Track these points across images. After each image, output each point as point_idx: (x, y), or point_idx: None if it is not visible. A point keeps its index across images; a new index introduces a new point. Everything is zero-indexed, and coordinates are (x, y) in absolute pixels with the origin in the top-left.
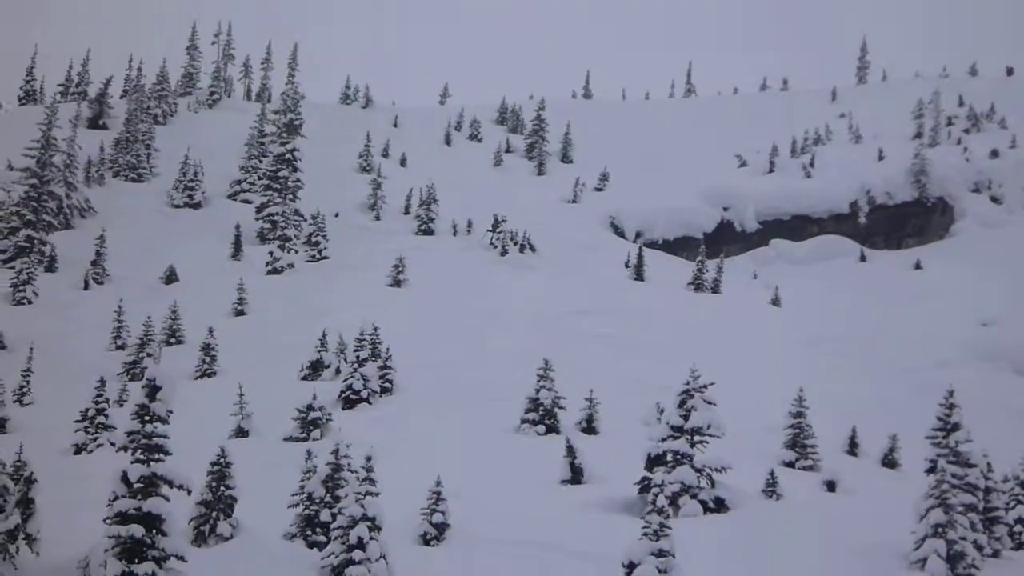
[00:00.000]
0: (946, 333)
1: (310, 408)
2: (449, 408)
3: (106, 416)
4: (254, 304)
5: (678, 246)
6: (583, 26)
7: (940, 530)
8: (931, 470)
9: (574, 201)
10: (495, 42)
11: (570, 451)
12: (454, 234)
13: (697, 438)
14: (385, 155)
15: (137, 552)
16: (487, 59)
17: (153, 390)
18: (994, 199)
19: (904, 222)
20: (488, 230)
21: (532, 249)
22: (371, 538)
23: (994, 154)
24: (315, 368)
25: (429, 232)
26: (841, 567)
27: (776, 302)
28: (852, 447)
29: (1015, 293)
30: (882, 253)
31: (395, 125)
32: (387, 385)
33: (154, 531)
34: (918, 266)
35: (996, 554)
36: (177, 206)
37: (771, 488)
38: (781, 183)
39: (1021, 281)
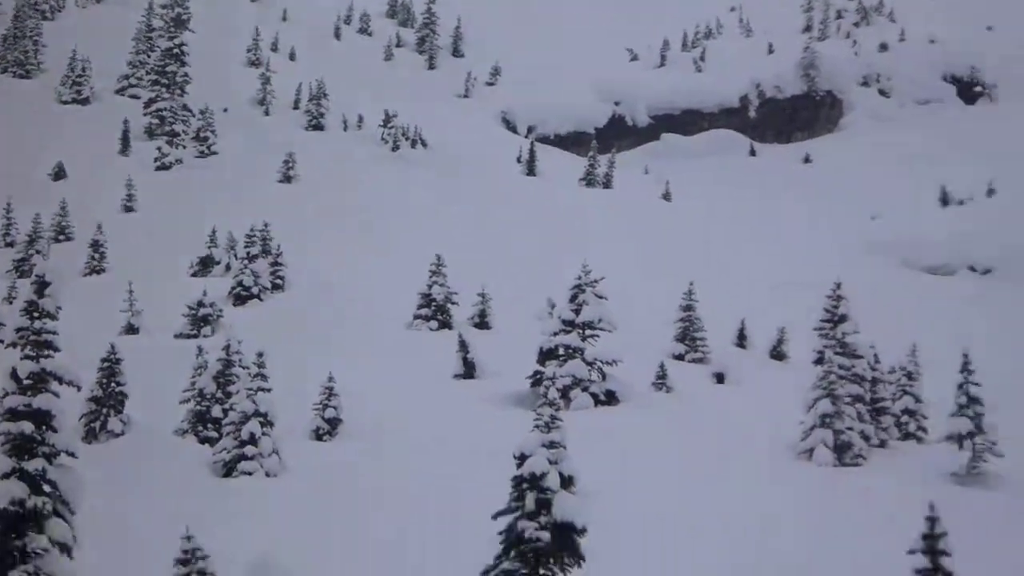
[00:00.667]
0: (835, 226)
1: (200, 304)
2: (341, 303)
3: None
4: (143, 200)
5: (570, 141)
6: None
7: (827, 420)
8: (818, 361)
9: (465, 96)
10: None
11: (463, 346)
12: (344, 129)
13: (588, 332)
14: (274, 49)
15: (27, 448)
16: None
17: (42, 286)
18: (883, 92)
19: (794, 116)
20: (379, 125)
21: (424, 144)
22: (263, 433)
23: (883, 47)
24: (205, 264)
25: (319, 127)
26: (730, 457)
27: (667, 196)
28: (741, 339)
29: (904, 186)
30: (772, 147)
31: (284, 19)
32: (278, 281)
33: (44, 427)
34: (807, 160)
35: (883, 444)
36: (65, 102)
37: (661, 381)
38: (672, 78)
39: (910, 174)
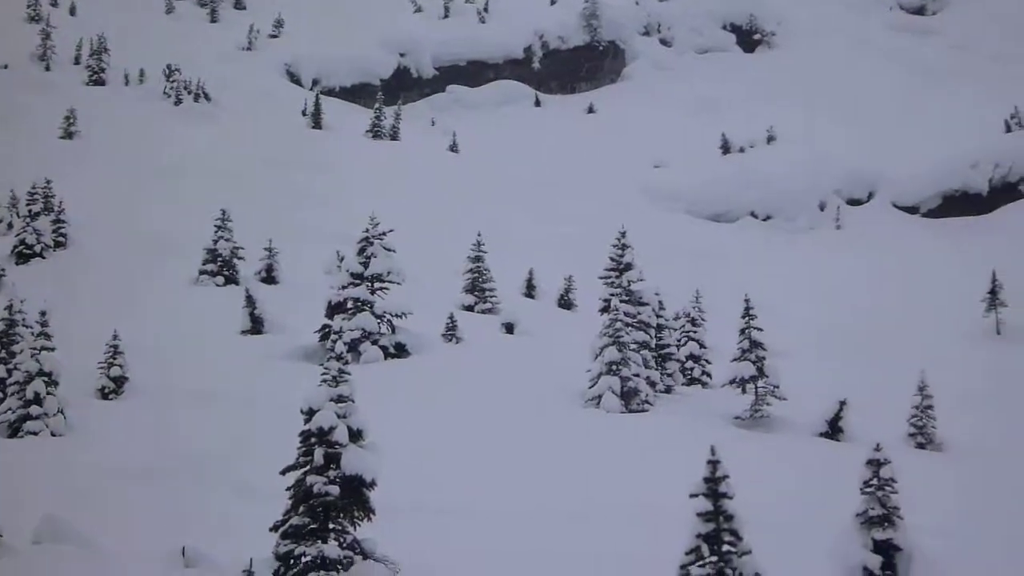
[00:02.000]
0: (620, 175)
1: None
2: (127, 261)
3: None
4: None
5: (356, 93)
6: None
7: (614, 368)
8: (605, 309)
9: (249, 49)
10: None
11: (249, 301)
12: (126, 84)
13: (378, 285)
14: (54, 4)
15: None
16: None
17: None
18: (664, 42)
19: (577, 66)
20: (162, 79)
21: (207, 98)
22: (48, 393)
23: None
24: None
25: (101, 83)
26: (520, 406)
27: (454, 148)
28: (529, 289)
29: (685, 134)
30: (556, 98)
31: None
32: (61, 239)
33: None
34: (591, 110)
35: (669, 390)
36: None
37: (451, 332)
38: (457, 29)
39: (692, 123)
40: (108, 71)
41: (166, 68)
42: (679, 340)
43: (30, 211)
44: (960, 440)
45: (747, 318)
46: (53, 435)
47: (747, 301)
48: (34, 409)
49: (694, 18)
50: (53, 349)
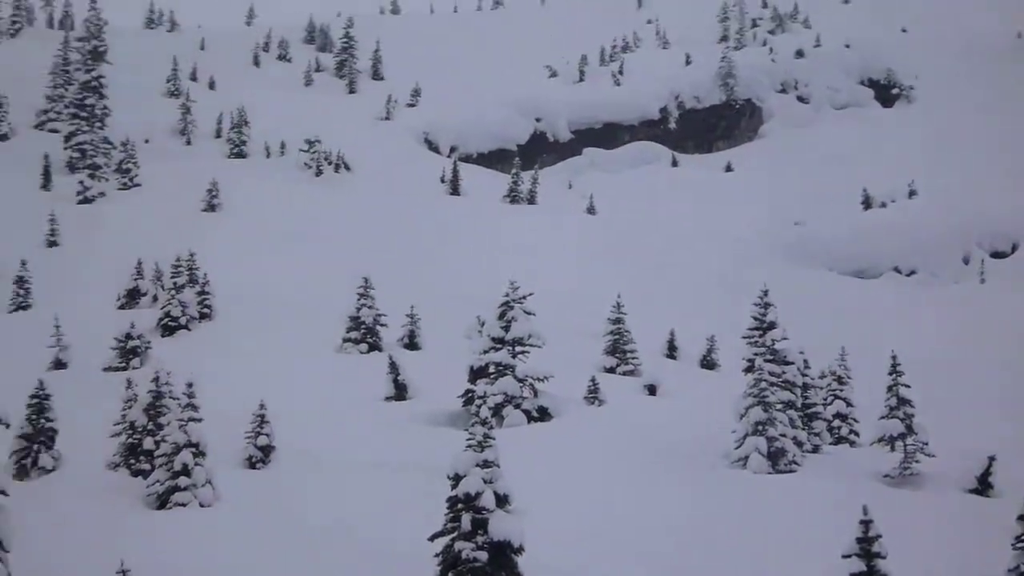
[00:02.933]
0: (759, 233)
1: (128, 337)
2: (270, 331)
3: None
4: (67, 235)
5: (493, 159)
6: None
7: (760, 428)
8: (749, 369)
9: (387, 118)
10: None
11: (393, 368)
12: (267, 156)
13: (518, 348)
14: (193, 79)
15: None
16: None
17: None
18: (801, 98)
19: (714, 125)
20: (301, 150)
21: (347, 168)
22: (196, 464)
23: (799, 54)
24: (132, 296)
25: (241, 155)
26: (664, 468)
27: (592, 210)
28: (671, 350)
29: (826, 191)
30: (693, 157)
31: (202, 48)
32: (206, 310)
33: None
34: (729, 168)
35: (816, 449)
36: None
37: (593, 395)
38: (592, 92)
39: (829, 179)
40: (249, 143)
41: (306, 139)
42: (825, 399)
43: (175, 284)
44: None
45: (894, 375)
46: (202, 505)
47: (894, 358)
48: (182, 480)
49: (831, 74)
50: (200, 420)
